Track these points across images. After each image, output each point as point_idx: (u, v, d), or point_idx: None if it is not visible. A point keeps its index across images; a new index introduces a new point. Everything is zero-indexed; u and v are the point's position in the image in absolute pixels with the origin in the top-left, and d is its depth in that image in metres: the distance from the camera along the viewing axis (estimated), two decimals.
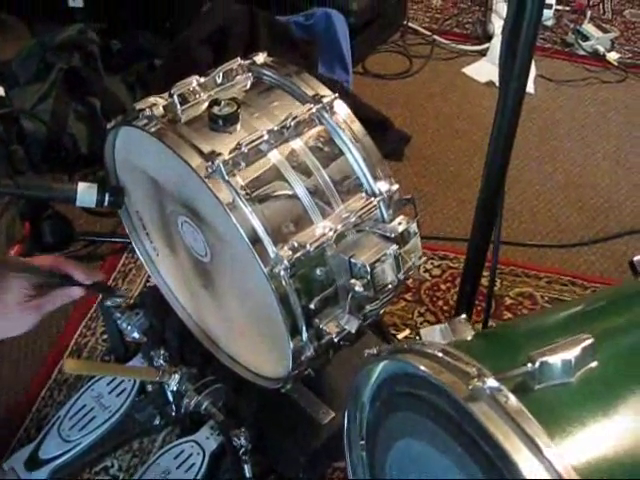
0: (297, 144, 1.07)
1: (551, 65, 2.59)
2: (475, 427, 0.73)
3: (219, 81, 1.14)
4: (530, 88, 2.41)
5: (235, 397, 1.29)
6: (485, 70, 2.52)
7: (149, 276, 1.41)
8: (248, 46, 2.07)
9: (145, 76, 2.16)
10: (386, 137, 2.14)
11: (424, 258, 1.12)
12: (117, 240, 1.83)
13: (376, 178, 1.09)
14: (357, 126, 1.10)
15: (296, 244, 1.00)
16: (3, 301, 1.03)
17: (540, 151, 2.21)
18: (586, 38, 2.64)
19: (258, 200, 1.01)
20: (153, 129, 1.05)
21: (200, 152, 1.01)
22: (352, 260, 1.02)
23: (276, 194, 1.03)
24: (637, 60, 2.64)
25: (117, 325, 1.36)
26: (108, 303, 1.29)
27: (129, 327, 1.32)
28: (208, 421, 1.36)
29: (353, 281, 1.02)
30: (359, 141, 1.09)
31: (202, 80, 1.13)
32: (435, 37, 2.69)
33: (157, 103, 1.08)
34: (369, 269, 1.01)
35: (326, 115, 1.09)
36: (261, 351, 1.19)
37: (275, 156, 1.05)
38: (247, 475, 1.22)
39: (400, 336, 1.63)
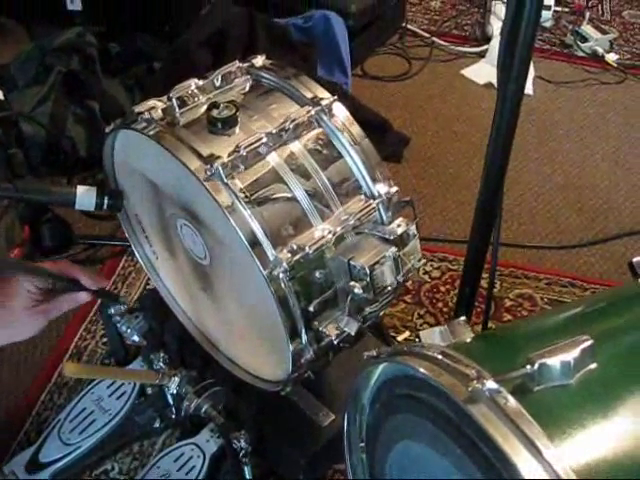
0: (296, 147, 1.07)
1: (550, 66, 2.59)
2: (474, 429, 0.73)
3: (218, 84, 1.14)
4: (529, 89, 2.41)
5: (235, 400, 1.29)
6: (484, 72, 2.52)
7: (149, 279, 1.41)
8: (247, 49, 2.07)
9: (144, 79, 2.16)
10: (385, 139, 2.14)
11: (423, 260, 1.13)
12: (116, 243, 1.83)
13: (375, 180, 1.09)
14: (356, 128, 1.10)
15: (295, 247, 1.00)
16: (10, 308, 1.04)
17: (539, 152, 2.21)
18: (585, 39, 2.64)
19: (257, 203, 1.01)
20: (152, 132, 1.05)
21: (199, 155, 1.01)
22: (351, 262, 1.02)
23: (275, 197, 1.03)
24: (636, 61, 2.64)
25: (117, 328, 1.36)
26: (111, 311, 1.30)
27: (129, 330, 1.32)
28: (208, 424, 1.35)
29: (352, 283, 1.02)
30: (358, 143, 1.09)
31: (201, 83, 1.13)
32: (434, 39, 2.69)
33: (156, 106, 1.09)
34: (368, 271, 1.01)
35: (325, 118, 1.09)
36: (261, 354, 1.19)
37: (274, 159, 1.05)
38: (247, 477, 1.22)
39: (400, 338, 1.62)
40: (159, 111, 1.08)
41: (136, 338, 1.33)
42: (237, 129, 1.06)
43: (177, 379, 1.24)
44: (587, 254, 1.88)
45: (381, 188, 1.09)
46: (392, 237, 1.05)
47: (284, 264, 0.97)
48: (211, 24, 2.13)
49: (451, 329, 0.96)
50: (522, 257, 1.86)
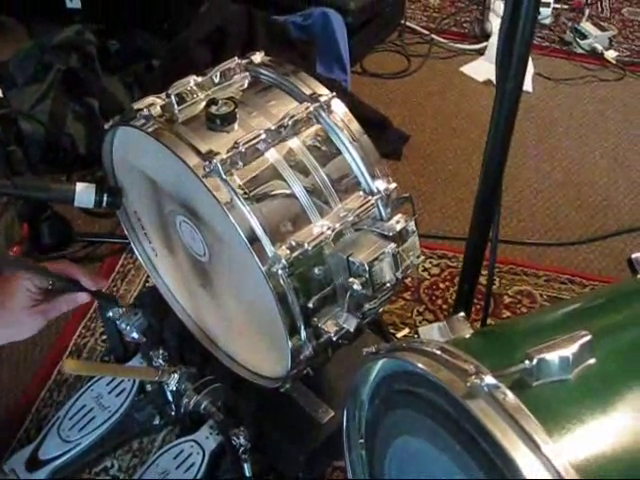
0: (295, 143, 1.07)
1: (549, 63, 2.59)
2: (473, 424, 0.73)
3: (216, 80, 1.14)
4: (528, 86, 2.41)
5: (234, 396, 1.29)
6: (483, 69, 2.52)
7: (148, 276, 1.41)
8: (246, 46, 2.07)
9: (143, 76, 2.16)
10: (385, 136, 2.14)
11: (422, 257, 1.12)
12: (116, 241, 1.83)
13: (374, 177, 1.09)
14: (355, 125, 1.10)
15: (294, 243, 1.00)
16: (9, 309, 1.04)
17: (538, 149, 2.21)
18: (584, 36, 2.64)
19: (256, 199, 1.01)
20: (151, 129, 1.05)
21: (198, 151, 1.01)
22: (350, 259, 1.02)
23: (274, 193, 1.03)
24: (635, 58, 2.64)
25: (116, 325, 1.36)
26: (110, 314, 1.30)
27: (128, 327, 1.32)
28: (207, 420, 1.36)
29: (351, 280, 1.02)
30: (357, 140, 1.09)
31: (199, 80, 1.13)
32: (433, 36, 2.69)
33: (155, 103, 1.08)
34: (367, 268, 1.01)
35: (323, 114, 1.09)
36: (260, 350, 1.19)
37: (273, 155, 1.05)
38: (247, 474, 1.22)
39: (399, 335, 1.63)
40: (158, 108, 1.08)
41: (135, 335, 1.33)
42: (236, 125, 1.06)
43: (176, 376, 1.24)
44: (586, 251, 1.89)
45: (380, 184, 1.08)
46: (391, 233, 1.05)
47: (283, 260, 0.97)
48: (210, 22, 2.13)
49: (450, 325, 0.96)
50: (521, 254, 1.86)
